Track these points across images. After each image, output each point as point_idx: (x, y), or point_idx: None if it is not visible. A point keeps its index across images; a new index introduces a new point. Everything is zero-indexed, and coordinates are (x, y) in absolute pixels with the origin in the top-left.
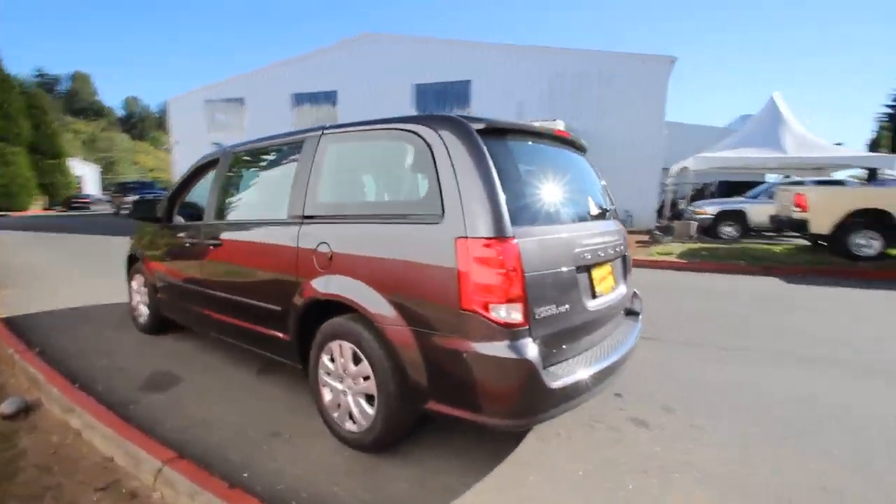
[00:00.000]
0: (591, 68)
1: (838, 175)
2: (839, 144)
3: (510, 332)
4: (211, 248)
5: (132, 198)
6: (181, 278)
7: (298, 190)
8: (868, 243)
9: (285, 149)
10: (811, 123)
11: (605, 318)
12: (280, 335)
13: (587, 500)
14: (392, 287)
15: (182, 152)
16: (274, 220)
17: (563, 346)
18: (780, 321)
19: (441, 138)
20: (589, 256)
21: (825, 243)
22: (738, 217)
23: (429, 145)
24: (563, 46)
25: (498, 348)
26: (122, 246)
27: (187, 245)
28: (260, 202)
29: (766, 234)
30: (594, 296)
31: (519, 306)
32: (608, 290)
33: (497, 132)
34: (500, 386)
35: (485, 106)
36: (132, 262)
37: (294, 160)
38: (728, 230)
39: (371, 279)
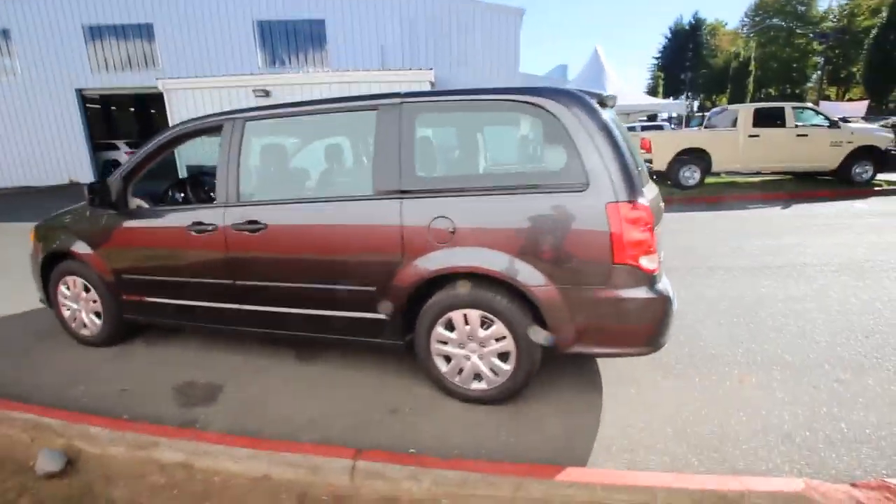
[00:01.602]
0: (447, 14)
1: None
2: None
3: (651, 277)
4: (245, 233)
5: None
6: (182, 273)
7: (386, 163)
8: (692, 175)
9: (339, 117)
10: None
11: None
12: (373, 316)
13: (695, 391)
14: (534, 252)
15: None
16: (352, 197)
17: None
18: (674, 242)
19: (571, 112)
20: (663, 211)
21: (656, 177)
22: None
23: (557, 118)
24: None
25: (647, 291)
26: None
27: (193, 233)
28: (315, 177)
29: None
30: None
31: (655, 256)
32: None
33: (601, 103)
34: (649, 321)
35: (343, 50)
36: (52, 261)
37: (361, 131)
38: None
39: (508, 247)
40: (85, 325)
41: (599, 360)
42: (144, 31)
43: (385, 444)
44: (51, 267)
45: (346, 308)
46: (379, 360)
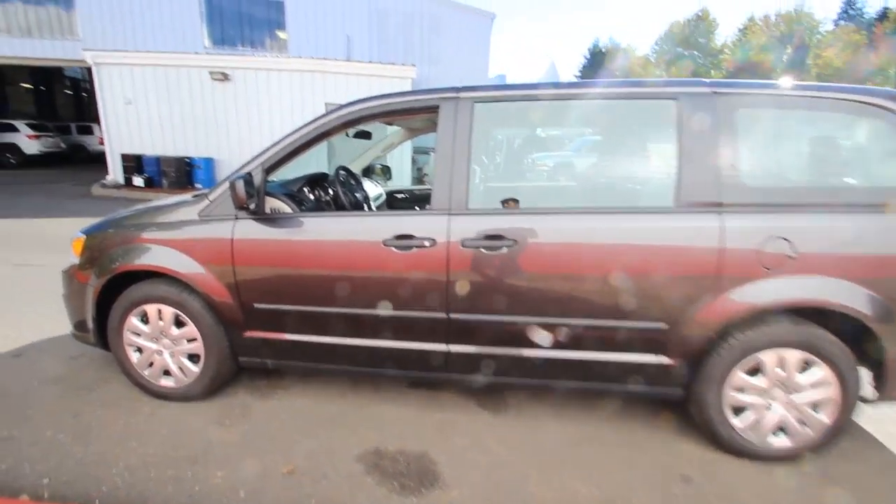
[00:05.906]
0: (419, 10)
1: None
2: None
3: None
4: (482, 251)
5: None
6: (365, 302)
7: (697, 168)
8: None
9: (612, 106)
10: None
11: None
12: (653, 360)
13: None
14: (879, 281)
15: None
16: (643, 209)
17: None
18: None
19: None
20: None
21: None
22: None
23: None
24: None
25: None
26: None
27: (394, 249)
28: (580, 180)
29: None
30: None
31: None
32: None
33: None
34: None
35: (305, 36)
36: (111, 287)
37: (649, 124)
38: None
39: (858, 276)
40: (167, 373)
41: None
42: None
43: None
44: (111, 292)
45: (617, 349)
46: (587, 407)
